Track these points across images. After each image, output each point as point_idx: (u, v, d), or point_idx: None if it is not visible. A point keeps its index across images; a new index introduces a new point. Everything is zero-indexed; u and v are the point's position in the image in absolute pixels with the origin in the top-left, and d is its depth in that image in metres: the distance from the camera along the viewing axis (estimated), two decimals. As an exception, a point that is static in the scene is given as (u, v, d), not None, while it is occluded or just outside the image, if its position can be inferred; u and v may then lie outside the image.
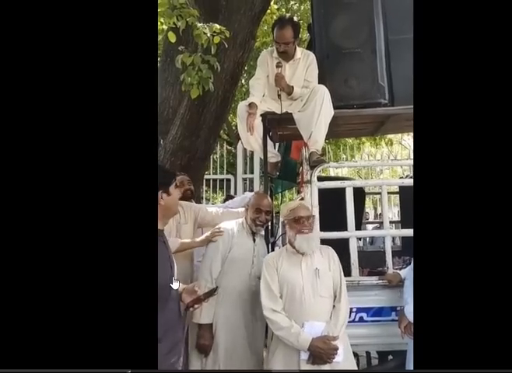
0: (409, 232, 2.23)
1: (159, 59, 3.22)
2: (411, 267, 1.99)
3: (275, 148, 2.84)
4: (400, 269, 2.18)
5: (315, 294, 1.72)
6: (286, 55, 2.36)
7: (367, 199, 5.19)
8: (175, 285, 1.42)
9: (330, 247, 1.85)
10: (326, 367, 1.64)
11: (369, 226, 5.10)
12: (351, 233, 2.13)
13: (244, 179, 4.13)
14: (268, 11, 3.89)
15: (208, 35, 2.22)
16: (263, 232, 2.15)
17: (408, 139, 6.54)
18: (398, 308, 1.94)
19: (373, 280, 2.07)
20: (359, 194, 2.93)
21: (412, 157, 4.78)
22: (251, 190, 4.39)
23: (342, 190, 2.18)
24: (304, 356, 1.66)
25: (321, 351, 1.62)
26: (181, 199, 2.31)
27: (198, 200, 3.13)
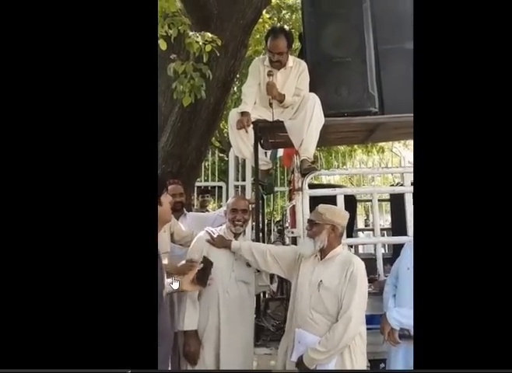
0: (400, 240, 2.25)
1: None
2: (392, 274, 1.99)
3: (266, 155, 2.85)
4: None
5: (310, 306, 1.69)
6: (279, 64, 2.39)
7: (359, 206, 5.22)
8: (175, 285, 1.50)
9: (356, 258, 1.76)
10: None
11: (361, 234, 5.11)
12: (342, 241, 2.13)
13: (236, 187, 4.11)
14: (260, 20, 3.93)
15: (200, 43, 2.23)
16: (248, 235, 2.13)
17: (399, 147, 6.61)
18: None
19: (365, 287, 2.07)
20: (351, 202, 2.95)
21: (402, 165, 4.85)
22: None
23: (334, 198, 2.19)
24: (294, 357, 1.67)
25: None
26: (171, 210, 2.29)
27: (189, 208, 3.11)
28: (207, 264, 1.67)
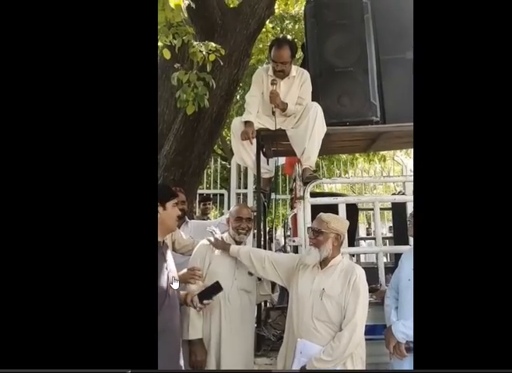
0: (402, 249, 2.24)
1: (154, 75, 3.26)
2: (391, 286, 1.98)
3: (268, 163, 2.86)
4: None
5: (312, 315, 1.68)
6: (282, 74, 2.41)
7: (360, 214, 5.21)
8: (175, 285, 1.54)
9: (358, 267, 1.76)
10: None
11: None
12: (343, 250, 2.12)
13: (238, 194, 4.12)
14: (263, 29, 3.99)
15: (204, 53, 2.25)
16: (250, 243, 2.12)
17: (400, 155, 6.62)
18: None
19: (366, 297, 2.06)
20: (352, 210, 2.94)
21: (404, 173, 4.84)
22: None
23: (335, 206, 2.19)
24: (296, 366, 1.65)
25: None
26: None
27: (191, 216, 3.11)
28: (217, 288, 1.67)
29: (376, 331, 1.98)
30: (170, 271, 1.55)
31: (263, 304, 2.31)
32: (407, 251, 2.00)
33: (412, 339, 1.71)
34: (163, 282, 1.49)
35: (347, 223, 1.84)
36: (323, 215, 1.80)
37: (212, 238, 1.96)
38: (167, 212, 1.57)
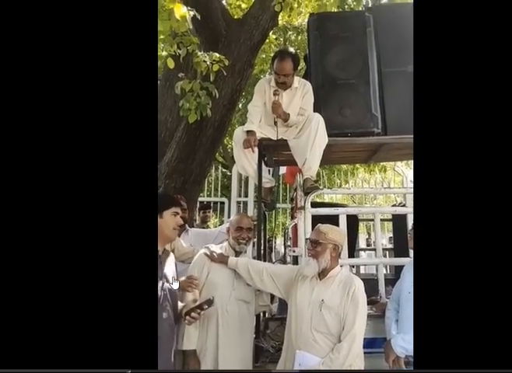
0: (402, 261, 2.24)
1: (158, 83, 3.29)
2: (392, 299, 1.96)
3: (269, 173, 2.87)
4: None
5: (311, 326, 1.67)
6: (285, 85, 2.43)
7: (361, 225, 5.21)
8: (175, 285, 1.58)
9: (356, 278, 1.76)
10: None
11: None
12: (343, 261, 2.12)
13: (238, 203, 4.13)
14: (267, 40, 4.03)
15: (208, 63, 2.28)
16: (249, 253, 2.10)
17: (401, 166, 6.65)
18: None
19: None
20: (353, 220, 2.95)
21: (404, 184, 4.85)
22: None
23: (336, 216, 2.19)
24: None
25: None
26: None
27: (192, 224, 3.11)
28: (208, 303, 1.67)
29: (376, 344, 1.96)
30: (165, 282, 1.56)
31: (262, 314, 2.30)
32: (408, 263, 2.00)
33: (410, 354, 1.70)
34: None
35: (345, 233, 1.85)
36: (321, 226, 1.80)
37: (209, 252, 1.95)
38: (164, 221, 1.57)
